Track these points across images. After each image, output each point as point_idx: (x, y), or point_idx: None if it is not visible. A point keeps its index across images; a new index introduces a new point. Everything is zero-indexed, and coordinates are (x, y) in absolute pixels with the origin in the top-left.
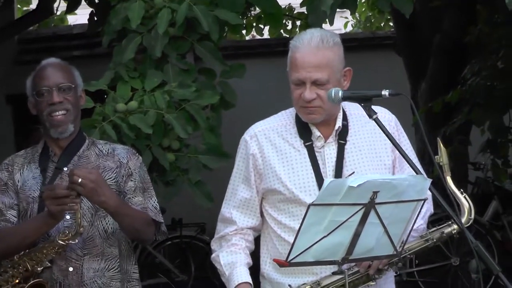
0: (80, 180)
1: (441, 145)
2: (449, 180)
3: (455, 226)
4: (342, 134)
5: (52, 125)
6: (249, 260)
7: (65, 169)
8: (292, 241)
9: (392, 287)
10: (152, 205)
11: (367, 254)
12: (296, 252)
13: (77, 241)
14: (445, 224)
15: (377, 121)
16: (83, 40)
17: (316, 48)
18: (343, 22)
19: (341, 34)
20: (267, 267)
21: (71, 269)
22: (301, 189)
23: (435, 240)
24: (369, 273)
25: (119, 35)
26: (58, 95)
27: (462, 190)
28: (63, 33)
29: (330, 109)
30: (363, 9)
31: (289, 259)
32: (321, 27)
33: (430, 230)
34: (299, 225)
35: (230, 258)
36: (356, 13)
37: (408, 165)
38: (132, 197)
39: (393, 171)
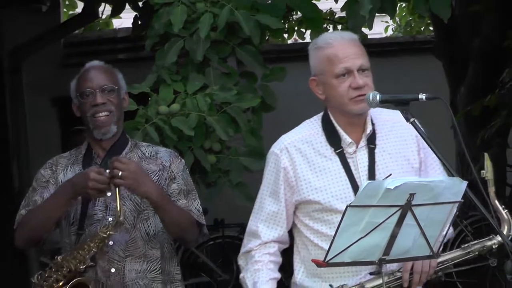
0: (120, 173)
1: (489, 160)
2: (492, 194)
3: (495, 241)
4: (371, 138)
5: (95, 126)
6: (273, 274)
7: (107, 171)
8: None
9: None
10: (195, 208)
11: (404, 255)
12: (333, 253)
13: (118, 232)
14: (487, 238)
15: (415, 125)
16: (128, 44)
17: (350, 40)
18: (383, 26)
19: (381, 38)
20: (299, 275)
21: (113, 270)
22: (337, 198)
23: (476, 252)
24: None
25: (162, 39)
26: (101, 96)
27: (503, 206)
28: (108, 37)
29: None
30: (403, 13)
31: (326, 260)
32: (360, 31)
33: (472, 243)
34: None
35: (254, 277)
36: (397, 18)
37: (432, 169)
38: (176, 200)
39: (420, 174)
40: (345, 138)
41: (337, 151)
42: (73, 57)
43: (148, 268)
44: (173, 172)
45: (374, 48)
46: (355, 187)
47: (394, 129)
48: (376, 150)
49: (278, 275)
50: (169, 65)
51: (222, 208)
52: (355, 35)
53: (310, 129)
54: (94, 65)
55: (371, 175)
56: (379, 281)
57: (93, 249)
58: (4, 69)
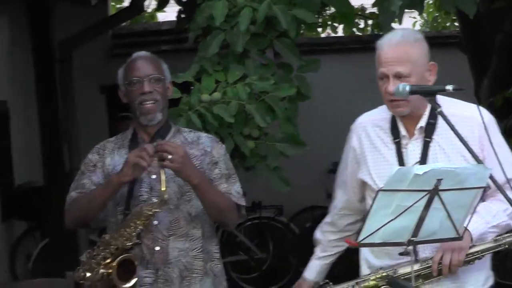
0: (170, 156)
1: None
2: None
3: None
4: (429, 132)
5: (142, 112)
6: (321, 254)
7: (155, 143)
8: None
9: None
10: (236, 190)
11: (431, 236)
12: (365, 234)
13: (162, 211)
14: None
15: (442, 115)
16: (172, 36)
17: (396, 44)
18: (411, 22)
19: None
20: (364, 249)
21: (157, 248)
22: (379, 175)
23: (507, 245)
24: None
25: (204, 32)
26: (148, 85)
27: None
28: (153, 29)
29: (415, 103)
30: (430, 9)
31: (358, 240)
32: (390, 26)
33: (504, 235)
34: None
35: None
36: (424, 14)
37: (494, 171)
38: (218, 184)
39: None
40: (401, 129)
41: (395, 141)
42: (120, 48)
43: (190, 246)
44: (214, 157)
45: None
46: None
47: (457, 124)
48: (431, 144)
49: (325, 253)
50: (211, 56)
51: (259, 191)
52: (414, 37)
53: (383, 113)
54: (142, 55)
55: None
56: (413, 267)
57: (139, 227)
58: (55, 58)
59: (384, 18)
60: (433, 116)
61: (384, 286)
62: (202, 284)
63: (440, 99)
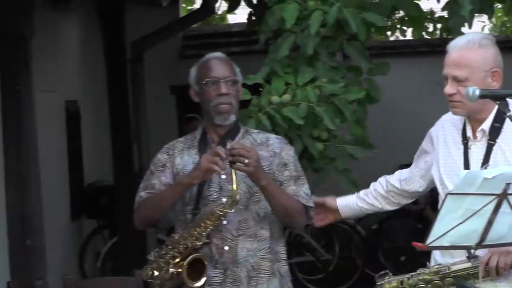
0: (246, 160)
1: None
2: None
3: None
4: (493, 135)
5: (217, 112)
6: (362, 194)
7: (228, 146)
8: None
9: None
10: (304, 192)
11: (499, 240)
12: (433, 237)
13: (233, 210)
14: None
15: (511, 119)
16: (242, 38)
17: (460, 49)
18: (480, 26)
19: None
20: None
21: (226, 248)
22: (450, 179)
23: None
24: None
25: (274, 34)
26: (225, 86)
27: None
28: (224, 31)
29: (474, 105)
30: (499, 14)
31: (427, 243)
32: (460, 30)
33: None
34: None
35: None
36: (493, 18)
37: None
38: (287, 186)
39: None
40: (467, 131)
41: (464, 142)
42: (190, 49)
43: (258, 247)
44: (283, 158)
45: None
46: None
47: None
48: (494, 147)
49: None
50: (281, 58)
51: (326, 192)
52: (479, 43)
53: (458, 116)
54: (218, 56)
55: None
56: (465, 265)
57: (209, 227)
58: (127, 59)
59: (454, 22)
60: (499, 119)
61: (437, 281)
62: (269, 284)
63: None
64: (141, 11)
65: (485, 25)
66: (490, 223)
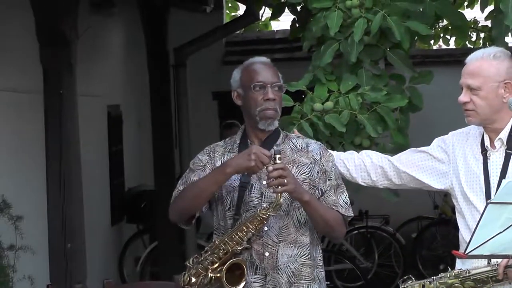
0: (285, 180)
1: None
2: None
3: None
4: (511, 144)
5: (263, 117)
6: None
7: (275, 147)
8: (463, 230)
9: None
10: (343, 200)
11: None
12: (474, 245)
13: (276, 214)
14: None
15: None
16: (285, 44)
17: (475, 60)
18: None
19: None
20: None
21: (267, 254)
22: (472, 191)
23: None
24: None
25: (318, 41)
26: (272, 92)
27: None
28: (267, 38)
29: (486, 115)
30: None
31: (467, 252)
32: (504, 40)
33: None
34: (466, 218)
35: None
36: None
37: None
38: (328, 196)
39: None
40: (485, 141)
41: (483, 152)
42: (233, 55)
43: (299, 253)
44: (323, 165)
45: None
46: (487, 185)
47: None
48: None
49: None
50: (324, 65)
51: (367, 200)
52: (494, 54)
53: (475, 130)
54: (265, 61)
55: (502, 178)
56: (484, 269)
57: (251, 231)
58: (170, 64)
59: (497, 32)
60: None
61: (457, 284)
62: None
63: None
64: (185, 16)
65: None
66: None
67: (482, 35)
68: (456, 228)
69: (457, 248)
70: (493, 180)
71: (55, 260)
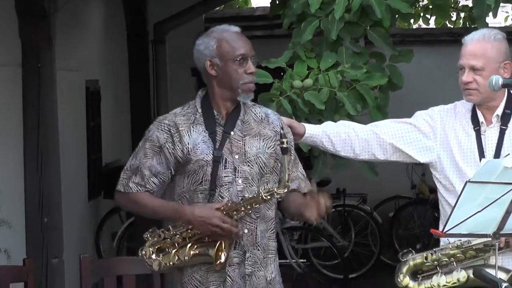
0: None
1: None
2: None
3: None
4: (505, 120)
5: (245, 90)
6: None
7: (232, 133)
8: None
9: None
10: (301, 173)
11: None
12: (452, 224)
13: (282, 194)
14: None
15: None
16: (264, 22)
17: (477, 41)
18: (504, 16)
19: (501, 27)
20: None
21: (246, 231)
22: (464, 161)
23: None
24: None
25: (298, 18)
26: (252, 65)
27: None
28: (246, 14)
29: (487, 93)
30: None
31: (445, 230)
32: (484, 20)
33: None
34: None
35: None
36: None
37: None
38: (291, 171)
39: None
40: (480, 117)
41: (475, 129)
42: None
43: (267, 227)
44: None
45: None
46: (481, 158)
47: None
48: (507, 131)
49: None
50: (304, 42)
51: (344, 179)
52: (494, 36)
53: (465, 105)
54: (239, 31)
55: (497, 152)
56: (485, 239)
57: (245, 212)
58: (149, 40)
59: (478, 12)
60: (509, 106)
61: (459, 255)
62: (275, 264)
63: None
64: None
65: (508, 16)
66: (508, 212)
67: (462, 14)
68: (434, 208)
69: (434, 227)
70: (489, 155)
71: (32, 234)
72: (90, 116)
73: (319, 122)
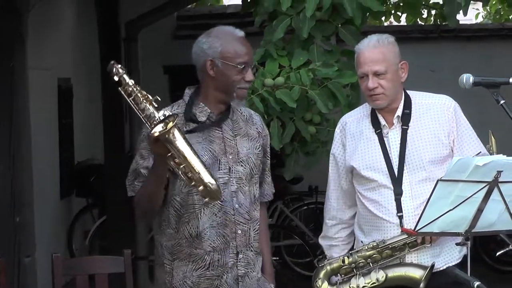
0: None
1: (492, 136)
2: None
3: None
4: (405, 121)
5: (239, 96)
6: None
7: (224, 132)
8: (371, 208)
9: (453, 250)
10: (270, 178)
11: (489, 228)
12: (423, 223)
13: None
14: None
15: (504, 106)
16: (236, 19)
17: (373, 47)
18: (474, 13)
19: (472, 24)
20: (356, 230)
21: (239, 231)
22: (371, 168)
23: None
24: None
25: (270, 16)
26: (251, 73)
27: None
28: (218, 12)
29: (393, 95)
30: (493, 2)
31: (416, 229)
32: (455, 17)
33: None
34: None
35: None
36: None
37: (466, 145)
38: (266, 176)
39: (453, 151)
40: (381, 120)
41: (377, 132)
42: (184, 30)
43: (252, 227)
44: (264, 142)
45: (465, 33)
46: (387, 160)
47: (429, 111)
48: (409, 131)
49: None
50: (276, 40)
51: (316, 176)
52: (387, 40)
53: (362, 112)
54: (243, 36)
55: (402, 153)
56: (400, 237)
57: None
58: (121, 38)
59: (449, 9)
60: (407, 106)
61: (376, 255)
62: (259, 263)
63: (411, 93)
64: None
65: (479, 13)
66: (480, 210)
67: (433, 12)
68: None
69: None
70: (394, 156)
71: (4, 233)
72: (62, 114)
73: (291, 120)
